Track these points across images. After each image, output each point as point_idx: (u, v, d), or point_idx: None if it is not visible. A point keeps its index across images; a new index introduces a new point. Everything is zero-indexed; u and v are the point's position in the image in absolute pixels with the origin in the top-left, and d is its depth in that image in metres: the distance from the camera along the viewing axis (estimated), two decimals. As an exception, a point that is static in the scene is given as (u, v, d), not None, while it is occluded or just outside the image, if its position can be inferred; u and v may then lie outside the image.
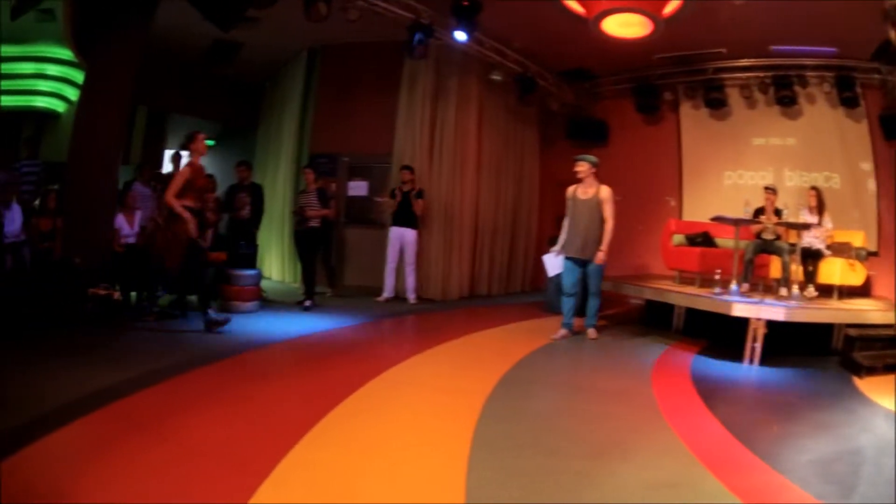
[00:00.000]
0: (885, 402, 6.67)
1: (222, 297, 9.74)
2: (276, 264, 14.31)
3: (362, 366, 6.68)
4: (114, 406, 5.03)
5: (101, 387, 5.38)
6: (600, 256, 8.72)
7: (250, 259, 10.54)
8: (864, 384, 7.49)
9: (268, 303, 10.45)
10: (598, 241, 8.78)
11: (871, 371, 7.83)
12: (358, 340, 8.53)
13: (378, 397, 5.75)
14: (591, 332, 9.16)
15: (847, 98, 12.28)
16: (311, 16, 9.63)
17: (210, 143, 16.51)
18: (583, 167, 8.92)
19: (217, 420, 4.91)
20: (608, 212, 8.77)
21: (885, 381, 7.63)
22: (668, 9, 10.14)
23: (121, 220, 10.04)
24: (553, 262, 9.54)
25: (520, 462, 4.33)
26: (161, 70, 13.47)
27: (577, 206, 8.98)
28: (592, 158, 9.04)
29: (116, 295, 9.10)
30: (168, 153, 14.86)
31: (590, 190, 8.93)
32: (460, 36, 11.12)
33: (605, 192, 8.87)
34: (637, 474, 4.31)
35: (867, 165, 12.47)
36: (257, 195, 11.25)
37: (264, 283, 10.85)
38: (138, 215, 10.29)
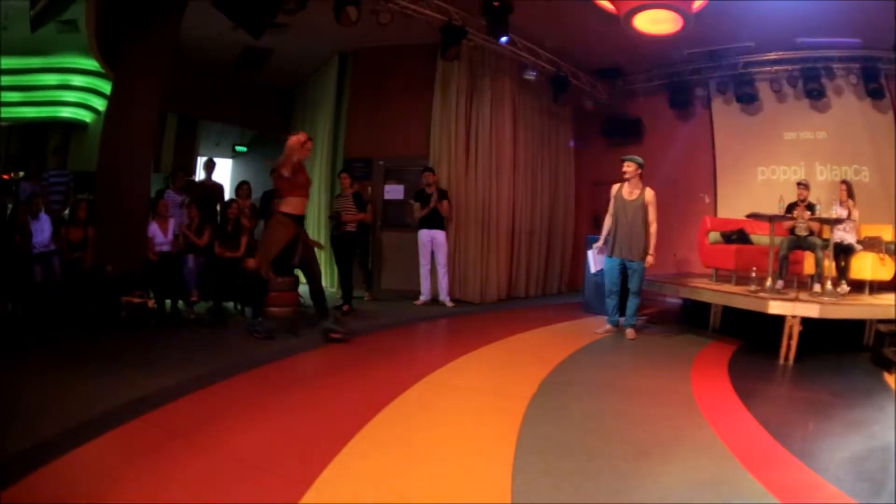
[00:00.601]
0: None
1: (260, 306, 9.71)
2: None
3: (403, 370, 6.87)
4: (154, 413, 5.21)
5: (138, 395, 5.53)
6: (649, 260, 8.98)
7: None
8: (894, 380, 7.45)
9: (306, 308, 10.35)
10: (641, 242, 9.00)
11: None
12: (397, 345, 8.65)
13: (421, 402, 5.86)
14: (630, 332, 9.30)
15: (873, 89, 12.33)
16: (341, 20, 9.71)
17: (242, 149, 16.80)
18: (630, 167, 9.12)
19: (259, 428, 5.04)
20: (652, 215, 9.01)
21: None
22: (697, 4, 10.20)
23: (154, 229, 10.19)
24: (596, 258, 9.61)
25: (564, 464, 4.41)
26: (192, 77, 13.76)
27: (621, 206, 9.15)
28: (639, 159, 9.25)
29: (151, 303, 9.39)
30: (201, 160, 14.97)
31: (635, 191, 9.13)
32: (501, 39, 11.34)
33: (650, 194, 9.08)
34: (679, 474, 4.39)
35: (892, 157, 12.35)
36: None
37: (302, 289, 10.81)
38: (171, 223, 10.40)
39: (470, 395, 6.26)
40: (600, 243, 9.47)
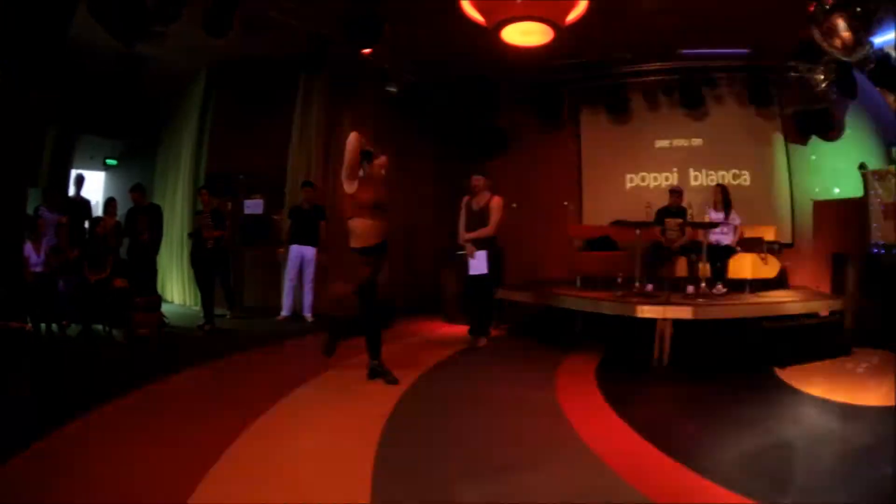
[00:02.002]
0: (812, 390, 6.74)
1: (125, 324, 9.39)
2: (177, 288, 13.82)
3: (262, 391, 6.43)
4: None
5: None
6: (469, 248, 8.88)
7: (149, 284, 10.35)
8: (786, 374, 7.49)
9: (169, 328, 10.12)
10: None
11: (791, 361, 7.90)
12: (258, 363, 8.26)
13: (280, 423, 5.50)
14: (482, 341, 9.11)
15: (758, 97, 12.49)
16: (210, 31, 9.27)
17: (112, 162, 16.04)
18: (479, 181, 9.11)
19: (118, 460, 4.55)
20: (492, 219, 8.91)
21: (809, 369, 7.80)
22: (572, 15, 9.88)
23: (29, 249, 9.67)
24: (473, 262, 9.25)
25: (423, 484, 4.17)
26: (71, 87, 12.88)
27: (470, 216, 9.12)
28: (485, 173, 9.34)
29: (28, 327, 8.81)
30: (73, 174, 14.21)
31: (482, 201, 9.05)
32: (363, 49, 10.92)
33: (496, 201, 9.00)
34: (547, 485, 4.19)
35: (781, 161, 12.68)
36: (156, 217, 10.96)
37: (166, 308, 10.61)
38: (44, 242, 9.86)
39: (328, 414, 5.90)
40: (471, 247, 9.03)
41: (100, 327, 9.57)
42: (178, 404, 6.11)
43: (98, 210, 12.24)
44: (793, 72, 11.84)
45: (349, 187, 6.58)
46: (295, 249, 11.12)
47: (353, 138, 6.52)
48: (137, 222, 10.58)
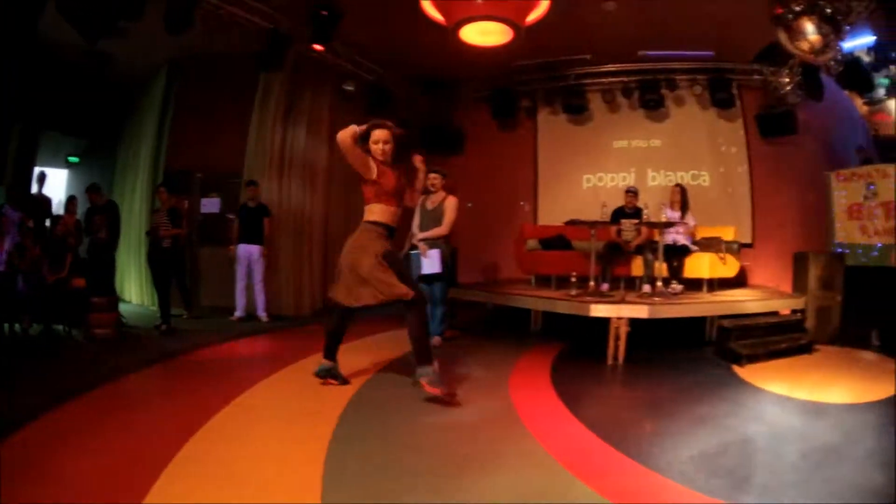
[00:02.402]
0: (774, 388, 6.73)
1: (83, 325, 9.20)
2: (135, 287, 13.57)
3: (215, 392, 6.23)
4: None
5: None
6: (422, 247, 8.73)
7: (107, 283, 10.18)
8: (747, 372, 7.47)
9: (126, 328, 9.81)
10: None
11: (752, 359, 7.89)
12: (211, 365, 8.03)
13: (231, 425, 5.32)
14: (436, 340, 8.92)
15: (721, 99, 12.57)
16: (170, 27, 9.13)
17: (74, 159, 15.82)
18: (437, 179, 8.97)
19: (74, 461, 4.40)
20: (446, 219, 8.81)
21: (770, 367, 7.82)
22: (532, 16, 9.87)
23: None
24: (427, 261, 9.10)
25: (374, 485, 4.05)
26: (36, 84, 12.66)
27: (424, 216, 9.00)
28: (443, 171, 9.14)
29: None
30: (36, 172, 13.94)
31: (437, 200, 8.96)
32: (317, 46, 10.79)
33: (451, 201, 8.90)
34: (499, 487, 4.08)
35: (742, 162, 12.80)
36: (113, 216, 10.79)
37: (124, 308, 10.38)
38: (7, 241, 9.57)
39: (279, 416, 5.76)
40: (423, 246, 8.90)
41: (60, 327, 9.40)
42: (133, 405, 6.01)
43: (60, 208, 12.13)
44: (756, 74, 11.93)
45: (369, 174, 6.25)
46: (242, 249, 10.99)
47: (341, 137, 6.03)
48: (93, 222, 10.42)
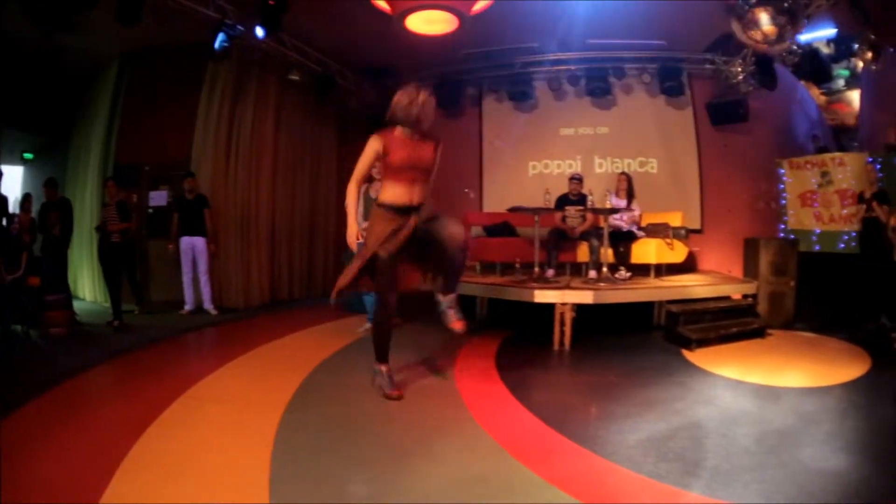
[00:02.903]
0: (724, 372, 6.69)
1: (38, 324, 8.98)
2: (88, 284, 13.24)
3: (166, 386, 6.09)
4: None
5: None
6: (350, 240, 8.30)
7: (60, 281, 9.90)
8: (697, 357, 7.41)
9: (80, 326, 9.54)
10: None
11: (702, 343, 7.86)
12: (161, 359, 7.78)
13: (182, 418, 5.25)
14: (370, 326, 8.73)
15: (670, 87, 12.45)
16: (122, 19, 8.83)
17: (28, 156, 15.50)
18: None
19: (31, 463, 4.29)
20: None
21: (721, 351, 7.76)
22: (479, 5, 9.67)
23: None
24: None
25: (320, 472, 4.04)
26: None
27: (368, 204, 8.56)
28: None
29: None
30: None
31: (380, 188, 8.45)
32: (259, 32, 10.43)
33: None
34: (444, 473, 4.05)
35: (691, 149, 12.73)
36: (66, 212, 10.46)
37: (78, 305, 10.14)
38: None
39: (228, 406, 5.63)
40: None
41: (18, 327, 9.12)
42: (87, 404, 5.79)
43: (16, 206, 11.70)
44: (708, 63, 11.98)
45: (379, 153, 5.75)
46: (185, 241, 10.74)
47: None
48: (47, 218, 10.14)
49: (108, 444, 4.47)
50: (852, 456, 4.21)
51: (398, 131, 5.73)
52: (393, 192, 5.70)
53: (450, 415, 5.29)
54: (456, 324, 5.70)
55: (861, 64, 10.65)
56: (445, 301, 5.84)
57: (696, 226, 12.07)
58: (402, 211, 5.67)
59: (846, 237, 10.01)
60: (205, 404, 5.64)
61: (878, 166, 9.51)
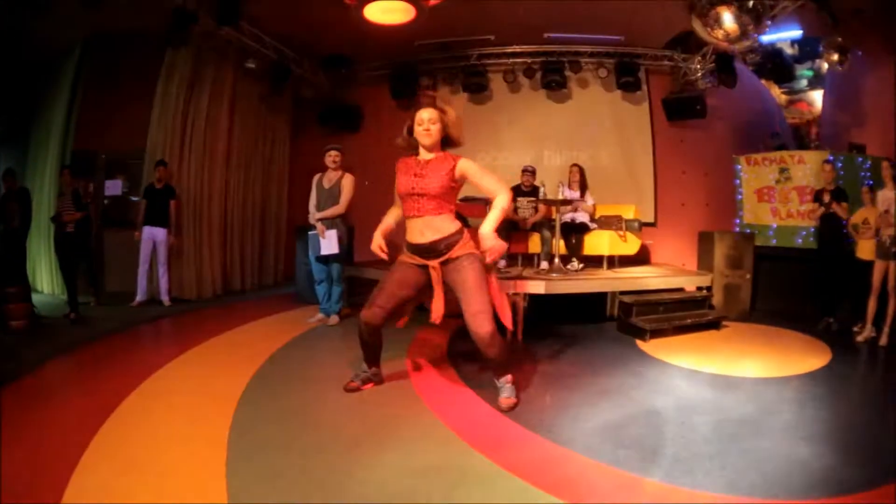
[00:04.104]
0: (680, 361, 6.70)
1: None
2: (46, 276, 12.89)
3: (122, 378, 5.97)
4: None
5: None
6: (320, 227, 8.45)
7: (19, 272, 9.61)
8: (651, 347, 7.44)
9: (39, 318, 9.24)
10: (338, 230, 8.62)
11: (656, 334, 7.91)
12: (117, 351, 7.59)
13: (137, 411, 5.12)
14: (334, 319, 8.84)
15: (627, 83, 12.50)
16: (86, 1, 8.78)
17: None
18: (339, 157, 8.68)
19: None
20: (343, 198, 8.55)
21: (675, 341, 7.78)
22: None
23: None
24: (325, 242, 8.74)
25: (275, 463, 4.01)
26: None
27: (320, 194, 8.73)
28: (341, 147, 8.86)
29: None
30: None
31: (334, 178, 8.70)
32: (225, 24, 10.53)
33: (348, 179, 8.65)
34: (398, 462, 3.99)
35: (646, 143, 12.84)
36: (25, 201, 10.10)
37: (36, 298, 9.86)
38: None
39: (182, 399, 5.47)
40: (321, 227, 8.54)
41: None
42: (44, 399, 5.57)
43: None
44: (667, 60, 12.11)
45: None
46: (147, 231, 10.54)
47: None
48: (7, 209, 9.84)
49: (67, 439, 4.39)
50: (815, 446, 4.16)
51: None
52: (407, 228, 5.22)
53: (404, 405, 5.23)
54: (503, 401, 4.97)
55: (826, 65, 10.72)
56: (499, 381, 5.18)
57: (650, 219, 12.18)
58: (416, 251, 5.10)
59: (804, 233, 10.06)
60: (160, 396, 5.55)
61: (840, 164, 9.60)
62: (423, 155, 5.03)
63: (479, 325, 4.69)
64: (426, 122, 4.87)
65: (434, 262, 4.93)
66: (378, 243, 5.33)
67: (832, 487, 3.56)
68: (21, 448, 4.27)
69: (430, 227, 4.92)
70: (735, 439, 4.24)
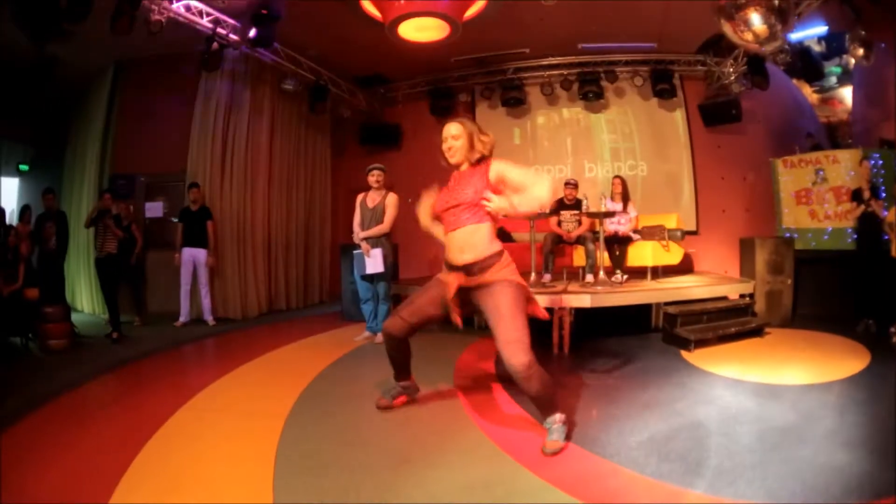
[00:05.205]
0: (724, 371, 6.67)
1: (37, 336, 8.94)
2: (86, 296, 13.12)
3: (168, 396, 6.13)
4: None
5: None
6: (364, 246, 8.53)
7: (58, 292, 9.89)
8: (696, 357, 7.42)
9: (79, 338, 9.41)
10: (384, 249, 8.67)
11: (701, 344, 7.87)
12: (161, 370, 7.75)
13: (184, 429, 5.24)
14: (380, 337, 8.40)
15: (662, 90, 12.58)
16: (116, 29, 8.88)
17: (24, 167, 15.58)
18: (381, 177, 8.74)
19: (32, 478, 4.23)
20: (387, 216, 8.62)
21: (720, 350, 7.77)
22: (471, 11, 9.94)
23: None
24: (370, 261, 8.89)
25: (324, 482, 4.01)
26: None
27: (365, 213, 8.78)
28: (383, 167, 8.90)
29: None
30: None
31: (377, 198, 8.76)
32: (252, 38, 10.52)
33: (392, 198, 8.71)
34: (446, 478, 4.01)
35: (685, 151, 12.85)
36: (62, 224, 10.53)
37: (76, 317, 9.99)
38: None
39: (230, 417, 5.62)
40: (366, 245, 8.67)
41: (17, 339, 9.12)
42: (88, 416, 5.73)
43: (12, 218, 11.88)
44: (700, 65, 12.15)
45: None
46: (187, 252, 10.71)
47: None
48: (44, 230, 10.19)
49: (110, 457, 4.46)
50: (853, 451, 4.17)
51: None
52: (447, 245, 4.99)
53: (451, 421, 5.25)
54: (549, 444, 4.45)
55: (853, 61, 10.68)
56: (546, 420, 4.69)
57: (692, 227, 12.16)
58: (453, 269, 4.87)
59: (842, 234, 10.02)
60: (206, 415, 5.63)
61: (872, 162, 9.44)
62: (460, 168, 4.97)
63: (513, 353, 4.35)
64: (448, 139, 4.88)
65: (465, 280, 4.72)
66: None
67: (868, 491, 3.60)
68: (63, 464, 4.40)
69: (469, 244, 4.72)
70: (777, 448, 4.26)
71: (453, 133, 4.88)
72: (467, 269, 4.72)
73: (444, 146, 4.95)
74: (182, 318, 10.72)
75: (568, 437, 4.62)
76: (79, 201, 12.90)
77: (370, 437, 4.90)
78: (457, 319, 4.83)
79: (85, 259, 12.31)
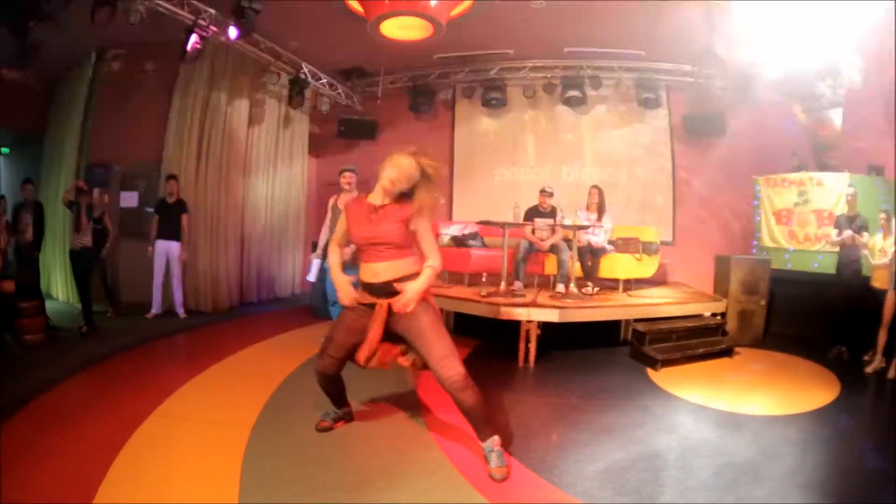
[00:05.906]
0: (688, 395, 6.62)
1: (11, 330, 8.67)
2: (61, 284, 13.02)
3: (137, 402, 6.05)
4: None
5: None
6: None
7: (33, 286, 9.60)
8: (662, 377, 7.36)
9: (54, 331, 9.21)
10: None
11: (668, 363, 7.79)
12: (133, 369, 7.61)
13: (153, 438, 5.20)
14: None
15: (647, 98, 12.50)
16: (94, 19, 8.80)
17: (5, 150, 15.24)
18: (353, 178, 8.50)
19: (10, 490, 4.17)
20: None
21: (687, 371, 7.73)
22: (456, 11, 9.80)
23: None
24: (315, 267, 8.80)
25: (288, 499, 4.06)
26: None
27: (336, 216, 8.37)
28: (356, 169, 8.63)
29: None
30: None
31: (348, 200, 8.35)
32: (233, 33, 10.36)
33: None
34: (402, 501, 4.06)
35: (665, 161, 12.83)
36: (38, 214, 10.20)
37: (51, 305, 9.97)
38: None
39: (196, 426, 5.55)
40: (318, 252, 8.71)
41: None
42: (62, 420, 5.65)
43: None
44: (688, 77, 12.10)
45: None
46: (161, 245, 10.63)
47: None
48: (20, 220, 9.91)
49: (85, 467, 4.45)
50: (809, 494, 4.16)
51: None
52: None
53: (412, 438, 5.25)
54: (496, 471, 4.38)
55: (846, 84, 10.64)
56: (484, 445, 4.62)
57: (668, 237, 12.13)
58: (368, 290, 4.80)
59: (820, 257, 10.02)
60: (176, 423, 5.60)
61: (854, 190, 9.26)
62: (374, 199, 4.75)
63: (450, 366, 4.38)
64: (402, 179, 4.64)
65: (383, 301, 4.64)
66: (353, 296, 4.85)
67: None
68: (38, 478, 4.30)
69: (390, 268, 4.65)
70: (733, 486, 4.23)
71: (406, 175, 4.65)
72: (385, 287, 4.64)
73: (392, 177, 4.64)
74: (154, 310, 10.67)
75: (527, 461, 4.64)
76: (56, 187, 12.75)
77: (333, 454, 4.89)
78: (367, 349, 4.73)
79: (61, 247, 12.19)
